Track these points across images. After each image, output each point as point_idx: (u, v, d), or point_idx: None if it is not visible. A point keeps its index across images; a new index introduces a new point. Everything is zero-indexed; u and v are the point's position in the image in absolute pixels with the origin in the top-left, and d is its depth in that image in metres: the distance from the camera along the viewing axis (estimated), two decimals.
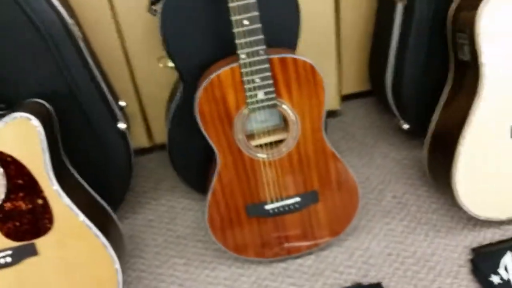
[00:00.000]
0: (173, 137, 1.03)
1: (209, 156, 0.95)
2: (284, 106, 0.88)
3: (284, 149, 0.91)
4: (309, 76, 0.87)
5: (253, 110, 0.87)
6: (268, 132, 0.92)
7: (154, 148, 1.29)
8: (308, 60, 0.86)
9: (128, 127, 1.05)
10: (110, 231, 0.88)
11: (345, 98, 1.36)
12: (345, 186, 0.97)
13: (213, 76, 0.85)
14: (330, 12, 1.18)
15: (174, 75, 1.07)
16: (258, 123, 0.92)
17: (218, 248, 1.02)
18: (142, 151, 1.29)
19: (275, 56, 0.85)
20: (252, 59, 0.84)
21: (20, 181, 0.78)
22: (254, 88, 0.86)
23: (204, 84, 0.85)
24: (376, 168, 1.21)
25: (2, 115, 0.80)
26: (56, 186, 0.79)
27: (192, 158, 1.05)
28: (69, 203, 0.80)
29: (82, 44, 0.94)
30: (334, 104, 1.31)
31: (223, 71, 0.85)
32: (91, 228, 0.82)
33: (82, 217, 0.82)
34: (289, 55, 0.86)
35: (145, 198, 1.20)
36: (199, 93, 0.86)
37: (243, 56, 0.83)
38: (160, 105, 1.14)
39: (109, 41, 1.09)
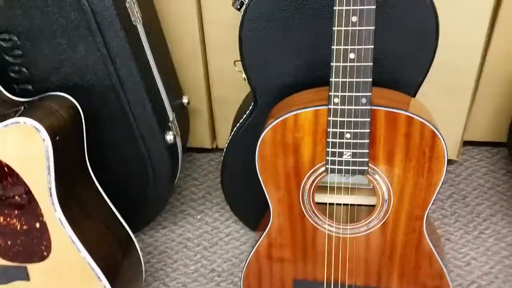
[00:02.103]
0: (229, 162, 0.82)
1: None
2: (376, 176, 0.63)
3: (363, 228, 0.67)
4: (425, 147, 0.60)
5: (332, 171, 0.63)
6: (347, 190, 0.67)
7: (216, 150, 1.10)
8: (430, 125, 0.59)
9: (187, 131, 0.84)
10: (120, 272, 0.70)
11: (463, 144, 1.06)
12: None
13: (288, 114, 0.61)
14: (479, 40, 0.87)
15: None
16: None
17: None
18: (203, 150, 1.10)
19: (381, 108, 0.59)
20: (347, 107, 0.58)
21: (17, 197, 0.62)
22: (341, 145, 0.61)
23: (274, 122, 0.62)
24: (483, 253, 0.91)
25: (23, 104, 0.63)
26: (58, 213, 0.62)
27: (246, 191, 0.84)
28: (72, 235, 0.63)
29: (140, 29, 0.73)
30: (451, 153, 1.01)
31: (303, 112, 0.61)
32: (93, 269, 0.65)
33: (84, 253, 0.64)
34: (402, 112, 0.59)
35: (190, 208, 1.02)
36: (265, 131, 0.63)
37: (336, 100, 0.58)
38: (231, 109, 0.93)
39: (187, 30, 0.90)
